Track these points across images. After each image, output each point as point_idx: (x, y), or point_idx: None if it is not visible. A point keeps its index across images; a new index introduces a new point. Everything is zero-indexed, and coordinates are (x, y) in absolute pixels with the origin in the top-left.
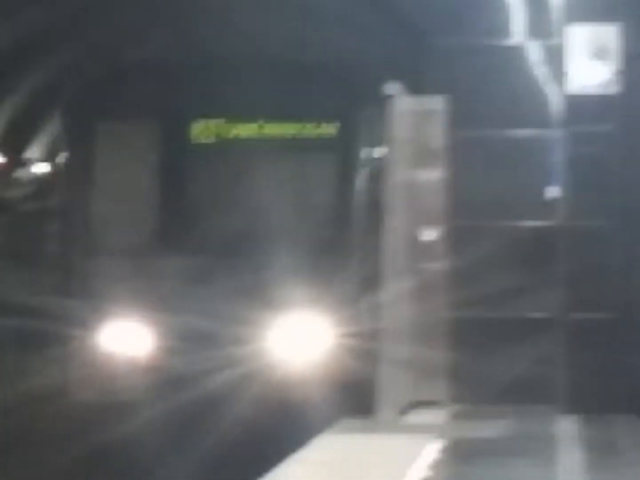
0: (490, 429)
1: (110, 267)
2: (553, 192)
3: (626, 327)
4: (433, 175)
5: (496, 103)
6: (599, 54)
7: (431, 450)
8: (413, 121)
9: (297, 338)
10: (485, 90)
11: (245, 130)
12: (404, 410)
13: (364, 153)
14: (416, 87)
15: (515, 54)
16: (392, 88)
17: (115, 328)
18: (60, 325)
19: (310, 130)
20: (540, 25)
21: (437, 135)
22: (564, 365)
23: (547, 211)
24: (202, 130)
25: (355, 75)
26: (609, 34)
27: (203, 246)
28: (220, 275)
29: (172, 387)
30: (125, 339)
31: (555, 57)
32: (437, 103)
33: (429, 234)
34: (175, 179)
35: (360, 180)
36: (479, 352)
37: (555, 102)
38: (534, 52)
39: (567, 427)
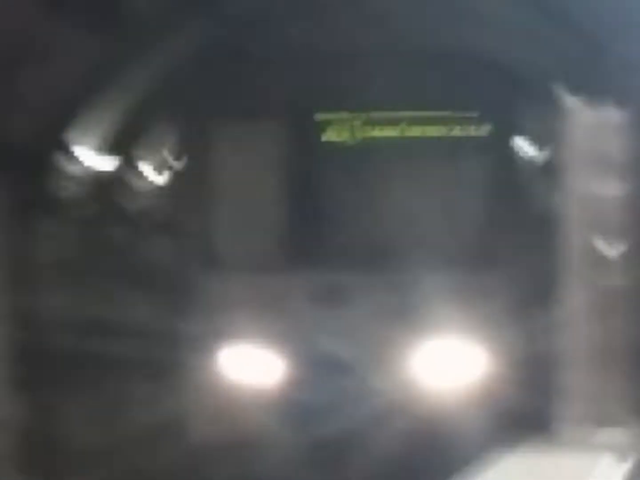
0: None
1: (233, 284)
2: None
3: None
4: (614, 188)
5: None
6: None
7: (618, 468)
8: (592, 133)
9: (446, 365)
10: None
11: (387, 130)
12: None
13: (520, 157)
14: (594, 98)
15: None
16: (570, 99)
17: (239, 353)
18: (176, 351)
19: (459, 131)
20: None
21: (617, 147)
22: None
23: None
24: (338, 130)
25: (513, 72)
26: None
27: (339, 260)
28: (358, 293)
29: (305, 423)
30: (250, 366)
31: None
32: (617, 115)
33: (611, 249)
34: (307, 185)
35: (518, 188)
36: None
37: None
38: None
39: None
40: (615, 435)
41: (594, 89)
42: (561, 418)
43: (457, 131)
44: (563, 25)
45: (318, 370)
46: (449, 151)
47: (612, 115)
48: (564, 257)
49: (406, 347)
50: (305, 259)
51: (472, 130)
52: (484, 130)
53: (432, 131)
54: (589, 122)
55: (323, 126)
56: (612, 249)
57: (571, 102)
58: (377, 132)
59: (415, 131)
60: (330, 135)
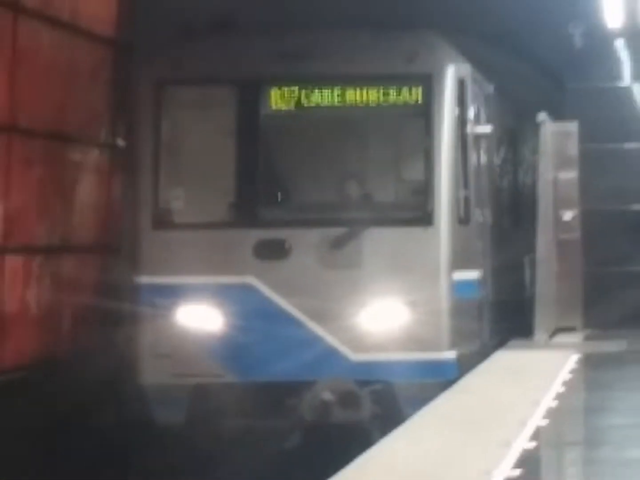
0: (613, 346)
1: (181, 241)
2: None
3: None
4: (570, 175)
5: (613, 125)
6: None
7: (572, 360)
8: (556, 139)
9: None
10: (606, 116)
11: (325, 96)
12: (550, 333)
13: (452, 120)
14: (558, 116)
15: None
16: (542, 116)
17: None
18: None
19: (395, 96)
20: None
21: (572, 148)
22: None
23: None
24: (280, 97)
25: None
26: None
27: (282, 218)
28: (299, 247)
29: (246, 367)
30: (197, 314)
31: None
32: (573, 126)
33: (567, 215)
34: (253, 150)
35: (452, 148)
36: (605, 294)
37: None
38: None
39: None
40: (572, 338)
41: (559, 110)
42: (538, 328)
43: (396, 97)
44: (537, 67)
45: (259, 319)
46: (388, 116)
47: (569, 127)
48: (539, 220)
49: (342, 296)
50: (251, 217)
51: (408, 95)
52: (419, 94)
53: (372, 96)
54: (554, 130)
55: (269, 94)
56: (568, 215)
57: (543, 117)
58: (319, 99)
59: (356, 97)
60: (275, 103)
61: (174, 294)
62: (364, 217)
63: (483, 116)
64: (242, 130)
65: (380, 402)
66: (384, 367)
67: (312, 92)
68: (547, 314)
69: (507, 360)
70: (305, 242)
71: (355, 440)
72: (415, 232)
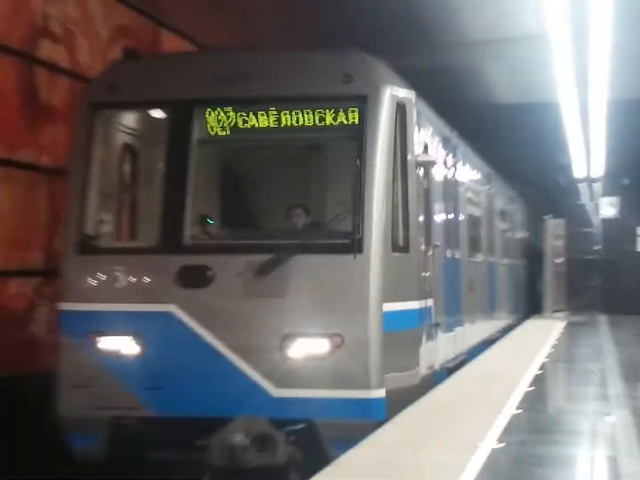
0: (579, 318)
1: (105, 267)
2: None
3: None
4: (560, 243)
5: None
6: None
7: (563, 324)
8: (552, 227)
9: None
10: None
11: (257, 119)
12: (552, 311)
13: (387, 144)
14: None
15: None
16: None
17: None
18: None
19: (330, 118)
20: None
21: (562, 239)
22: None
23: None
24: (211, 121)
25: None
26: None
27: (207, 244)
28: (222, 274)
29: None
30: (117, 335)
31: None
32: (561, 222)
33: (559, 260)
34: (181, 173)
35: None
36: (575, 296)
37: None
38: None
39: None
40: (561, 313)
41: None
42: (544, 309)
43: (330, 120)
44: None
45: (178, 350)
46: (322, 139)
47: (559, 222)
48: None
49: (265, 327)
50: (175, 243)
51: (344, 117)
52: (355, 116)
53: (306, 119)
54: (552, 223)
55: (199, 117)
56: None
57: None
58: (250, 122)
59: (288, 120)
60: (206, 126)
61: (96, 321)
62: (291, 244)
63: (442, 153)
64: (171, 154)
65: (300, 443)
66: (307, 404)
67: (242, 115)
68: (549, 303)
69: (532, 323)
70: (229, 269)
71: None
72: (344, 260)
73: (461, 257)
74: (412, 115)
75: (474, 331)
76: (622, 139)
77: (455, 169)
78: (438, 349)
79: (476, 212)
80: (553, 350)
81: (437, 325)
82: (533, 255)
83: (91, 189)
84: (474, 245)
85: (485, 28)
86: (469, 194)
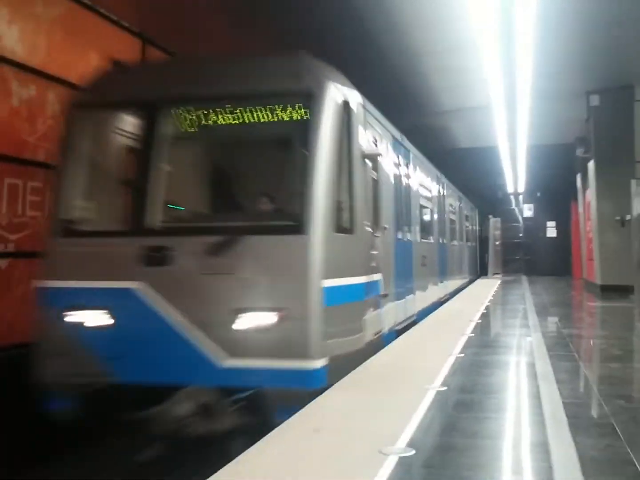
0: (510, 277)
1: (81, 248)
2: None
3: None
4: (498, 232)
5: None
6: None
7: (500, 281)
8: (493, 222)
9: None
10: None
11: (214, 115)
12: (493, 274)
13: (331, 134)
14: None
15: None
16: (492, 219)
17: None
18: None
19: (279, 112)
20: None
21: (498, 225)
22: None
23: None
24: (173, 117)
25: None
26: None
27: (169, 227)
28: (180, 255)
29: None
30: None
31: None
32: (498, 219)
33: (497, 243)
34: (146, 165)
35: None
36: (508, 265)
37: None
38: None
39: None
40: (499, 275)
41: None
42: (489, 272)
43: (281, 114)
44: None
45: (141, 323)
46: (272, 131)
47: (498, 220)
48: (490, 244)
49: (217, 302)
50: (140, 226)
51: (294, 114)
52: (303, 113)
53: (256, 113)
54: (493, 219)
55: (163, 115)
56: (497, 243)
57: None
58: (209, 118)
59: (240, 114)
60: (168, 122)
61: (70, 297)
62: (241, 225)
63: (391, 151)
64: (139, 148)
65: (246, 411)
66: (254, 374)
67: (203, 111)
68: (492, 269)
69: (481, 281)
70: (188, 249)
71: (218, 451)
72: (290, 240)
73: (413, 239)
74: (357, 111)
75: (424, 297)
76: (536, 169)
77: (407, 168)
78: (386, 316)
79: (428, 204)
80: (493, 297)
81: (384, 295)
82: (482, 240)
83: (70, 180)
84: (427, 230)
85: (449, 100)
86: (421, 191)
